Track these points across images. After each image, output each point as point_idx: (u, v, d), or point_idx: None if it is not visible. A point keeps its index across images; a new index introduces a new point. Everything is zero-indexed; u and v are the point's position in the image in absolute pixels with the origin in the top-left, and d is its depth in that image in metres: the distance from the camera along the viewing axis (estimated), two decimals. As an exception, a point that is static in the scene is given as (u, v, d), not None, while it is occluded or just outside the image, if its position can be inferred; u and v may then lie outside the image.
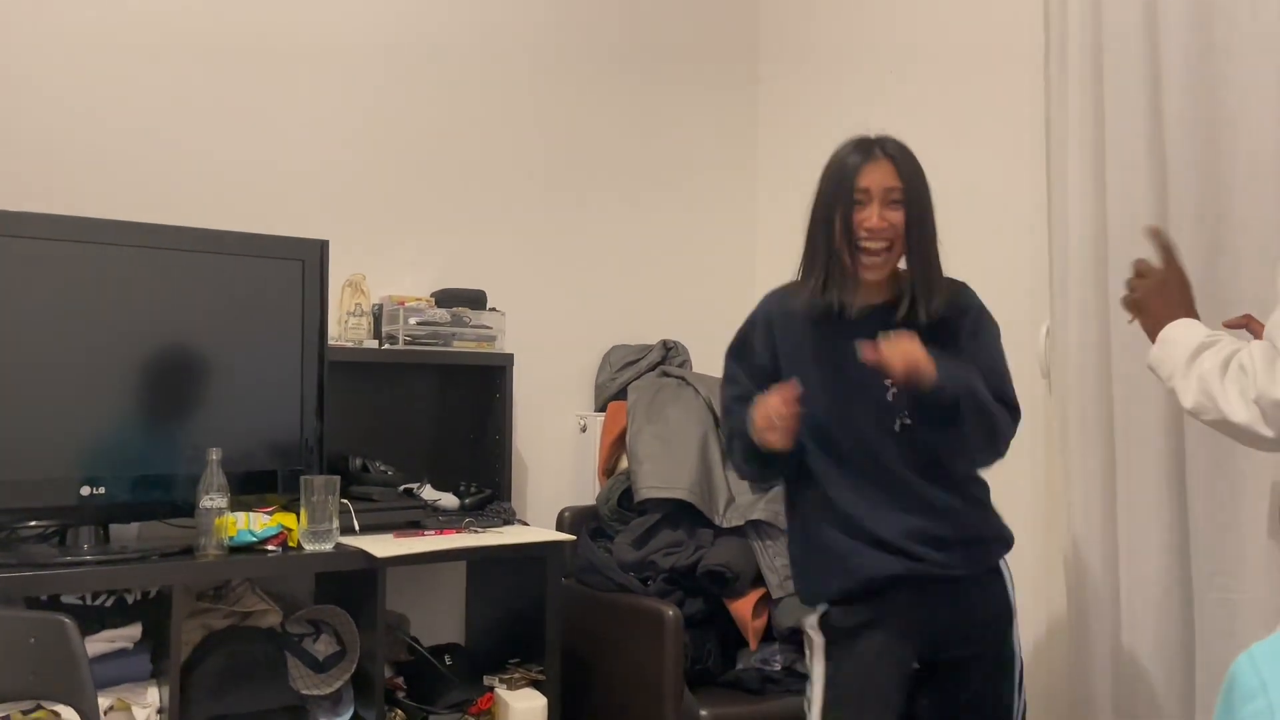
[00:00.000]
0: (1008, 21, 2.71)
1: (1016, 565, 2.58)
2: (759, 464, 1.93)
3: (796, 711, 2.02)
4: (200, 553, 2.11)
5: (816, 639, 1.93)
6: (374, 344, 2.66)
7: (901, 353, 1.72)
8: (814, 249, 1.91)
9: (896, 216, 1.84)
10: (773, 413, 1.77)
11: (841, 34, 3.24)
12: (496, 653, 2.59)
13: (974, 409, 1.80)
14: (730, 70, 3.54)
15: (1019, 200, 2.66)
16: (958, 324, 1.90)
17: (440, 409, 2.88)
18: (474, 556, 2.58)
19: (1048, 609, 2.54)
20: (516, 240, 3.09)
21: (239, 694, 2.14)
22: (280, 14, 2.73)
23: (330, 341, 2.46)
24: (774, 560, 2.62)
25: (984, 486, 1.96)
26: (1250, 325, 1.66)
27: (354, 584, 2.30)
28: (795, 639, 2.46)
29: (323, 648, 2.31)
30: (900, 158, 1.87)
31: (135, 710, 2.01)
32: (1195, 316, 1.56)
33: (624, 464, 2.91)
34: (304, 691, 2.24)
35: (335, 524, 2.26)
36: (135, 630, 2.10)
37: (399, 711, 2.36)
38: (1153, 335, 1.56)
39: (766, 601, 2.62)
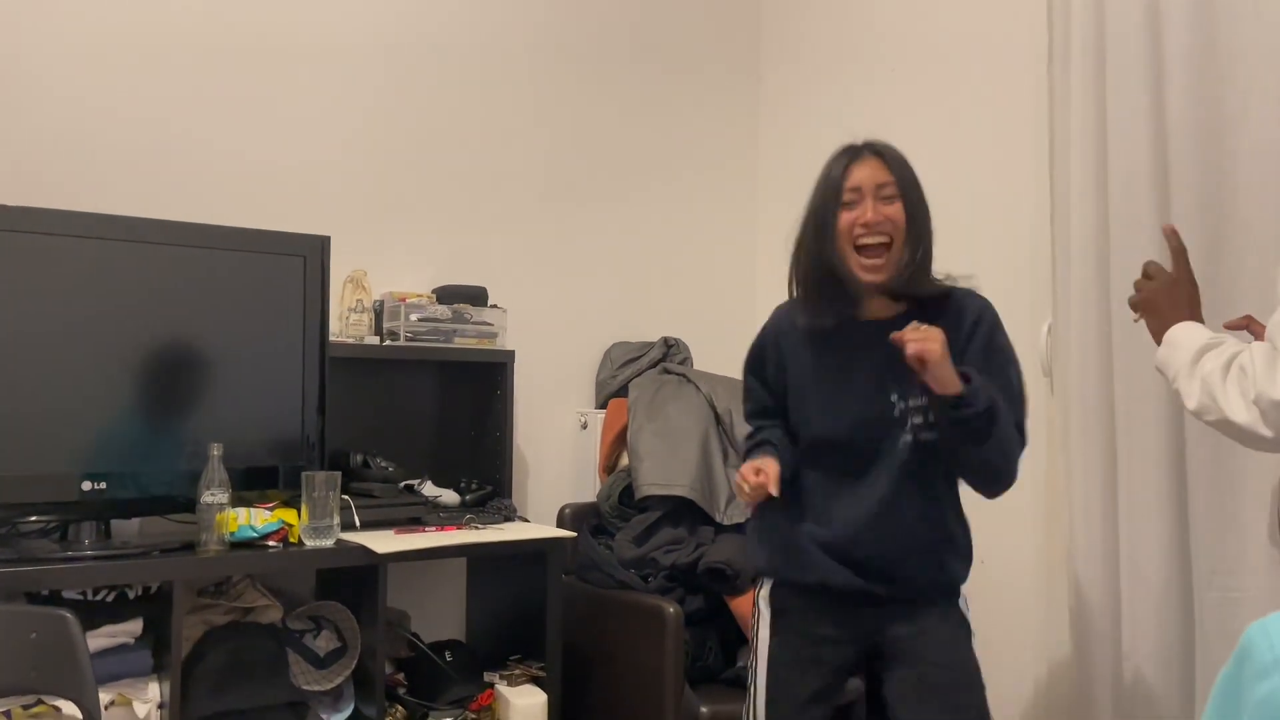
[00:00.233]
0: (1011, 21, 2.71)
1: (1019, 563, 2.57)
2: None
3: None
4: (201, 548, 2.11)
5: (764, 611, 1.97)
6: (375, 340, 2.66)
7: (926, 341, 1.69)
8: (808, 264, 1.87)
9: (893, 210, 1.81)
10: (744, 483, 1.79)
11: (843, 33, 3.24)
12: (497, 649, 2.60)
13: (999, 427, 1.77)
14: (732, 68, 3.54)
15: (1021, 199, 2.66)
16: (971, 333, 1.85)
17: (441, 405, 2.88)
18: (475, 553, 2.58)
19: (1048, 607, 2.54)
20: (518, 237, 3.09)
21: (240, 690, 2.14)
22: (283, 12, 2.73)
23: (331, 337, 2.46)
24: (774, 558, 2.62)
25: (966, 527, 1.94)
26: (1251, 326, 1.66)
27: (355, 580, 2.30)
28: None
29: (324, 644, 2.31)
30: (888, 153, 1.85)
31: (136, 705, 2.01)
32: (1201, 320, 1.57)
33: (625, 461, 2.91)
34: (305, 687, 2.25)
35: (336, 520, 2.26)
36: (136, 626, 2.10)
37: (399, 707, 2.37)
38: (1158, 337, 1.57)
39: (767, 599, 2.62)
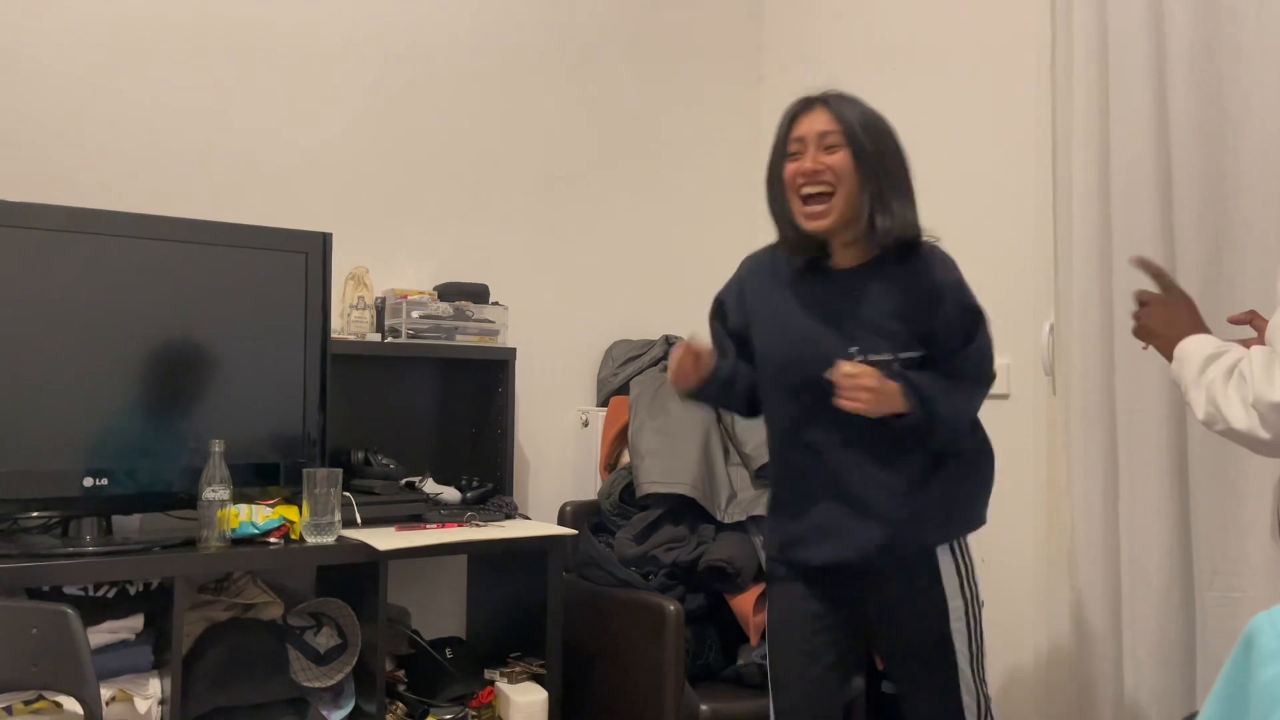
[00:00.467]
0: (1013, 20, 2.70)
1: (1020, 562, 2.56)
2: (693, 400, 2.07)
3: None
4: (202, 545, 2.11)
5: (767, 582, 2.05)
6: (376, 337, 2.66)
7: (857, 389, 1.73)
8: (772, 213, 1.92)
9: (834, 159, 1.80)
10: (674, 362, 1.88)
11: (846, 31, 3.24)
12: (497, 646, 2.60)
13: (947, 429, 1.83)
14: (733, 65, 3.53)
15: (1023, 199, 2.65)
16: (940, 292, 1.83)
17: (442, 403, 2.88)
18: (475, 550, 2.58)
19: (1049, 606, 2.54)
20: (520, 235, 3.09)
21: (240, 686, 2.14)
22: (286, 8, 2.73)
23: (333, 334, 2.46)
24: (775, 556, 2.62)
25: (948, 486, 1.88)
26: (1254, 321, 1.65)
27: (355, 577, 2.30)
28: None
29: (324, 640, 2.31)
30: (838, 103, 1.84)
31: (137, 701, 2.01)
32: (1204, 328, 1.57)
33: (626, 459, 2.91)
34: (305, 684, 2.25)
35: (337, 517, 2.26)
36: (137, 621, 2.11)
37: (400, 704, 2.37)
38: (1169, 355, 1.56)
39: (768, 597, 2.62)
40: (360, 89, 2.84)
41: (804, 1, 3.41)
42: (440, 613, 2.81)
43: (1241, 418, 1.38)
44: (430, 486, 2.61)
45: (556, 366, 3.11)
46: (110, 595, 2.15)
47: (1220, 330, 1.61)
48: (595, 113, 3.25)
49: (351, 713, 2.29)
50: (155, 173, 2.54)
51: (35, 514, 2.15)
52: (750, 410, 2.06)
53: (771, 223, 1.93)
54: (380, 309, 2.69)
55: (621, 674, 2.54)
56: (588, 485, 3.03)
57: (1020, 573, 2.61)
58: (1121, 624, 2.29)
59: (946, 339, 1.84)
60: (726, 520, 2.72)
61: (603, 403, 3.10)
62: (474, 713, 2.39)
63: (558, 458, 3.11)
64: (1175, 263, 2.20)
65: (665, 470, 2.75)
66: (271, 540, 2.21)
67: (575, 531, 2.65)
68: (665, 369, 3.08)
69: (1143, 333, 1.63)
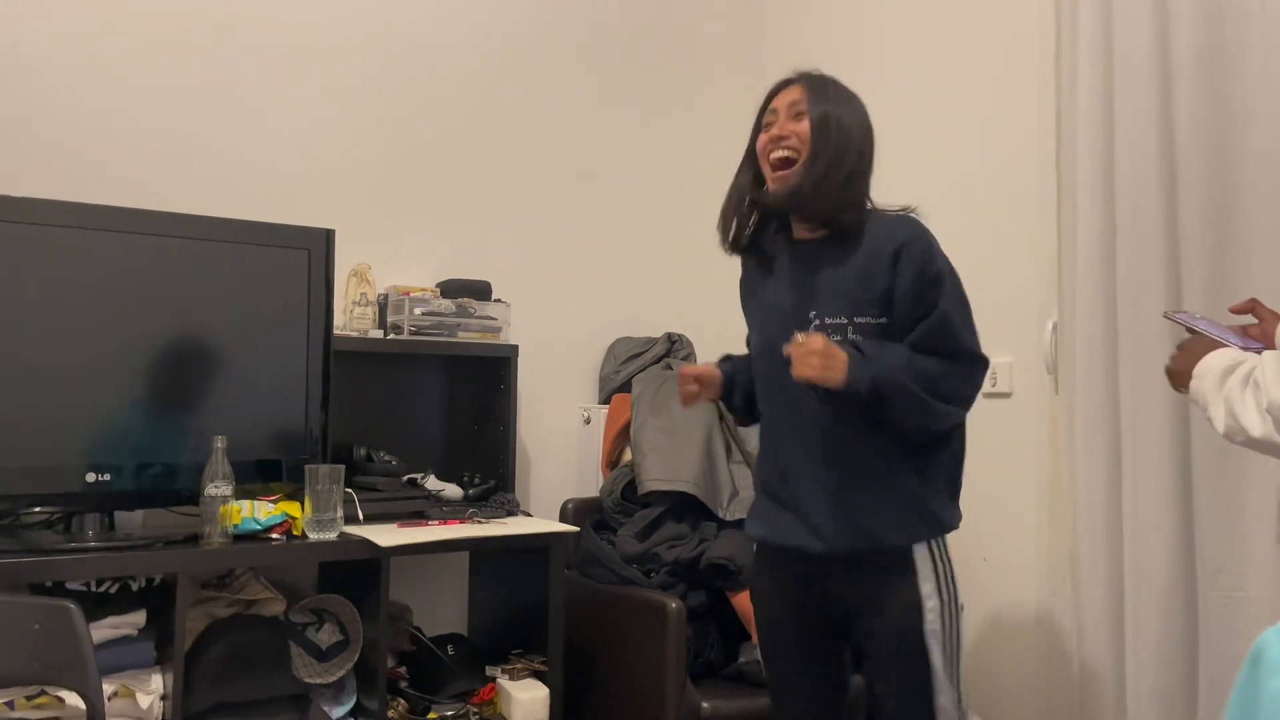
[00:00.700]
0: (1017, 17, 2.70)
1: (1022, 562, 2.56)
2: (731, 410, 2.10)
3: (799, 705, 2.02)
4: (205, 541, 2.12)
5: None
6: (379, 334, 2.66)
7: (807, 355, 1.71)
8: (731, 186, 1.97)
9: (799, 127, 1.83)
10: (680, 392, 1.94)
11: (849, 29, 3.24)
12: (499, 643, 2.60)
13: (901, 400, 1.74)
14: (736, 63, 3.53)
15: (1027, 197, 2.65)
16: (894, 262, 1.78)
17: (445, 400, 2.88)
18: (477, 547, 2.58)
19: (1052, 605, 2.54)
20: (522, 232, 3.09)
21: (242, 682, 2.14)
22: (289, 5, 2.73)
23: (335, 331, 2.46)
24: (777, 554, 2.62)
25: (929, 456, 1.82)
26: (1256, 310, 1.64)
27: (357, 573, 2.30)
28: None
29: (326, 637, 2.31)
30: (812, 79, 1.88)
31: (139, 697, 2.01)
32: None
33: (628, 456, 2.91)
34: (307, 680, 2.25)
35: (339, 513, 2.26)
36: (139, 617, 2.11)
37: (401, 701, 2.37)
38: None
39: (769, 595, 2.62)
40: (364, 86, 2.84)
41: (807, -1, 3.41)
42: (442, 609, 2.81)
43: (1258, 425, 1.36)
44: (432, 483, 2.61)
45: (559, 364, 3.11)
46: (113, 591, 2.15)
47: (1224, 322, 1.60)
48: (598, 110, 3.25)
49: (353, 709, 2.29)
50: (158, 169, 2.54)
51: (38, 509, 2.16)
52: (750, 415, 2.05)
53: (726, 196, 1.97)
54: (383, 306, 2.69)
55: (623, 671, 2.54)
56: (589, 482, 3.03)
57: (1022, 572, 2.61)
58: (1124, 623, 2.29)
59: (904, 303, 1.78)
60: (728, 518, 2.72)
61: (605, 400, 3.10)
62: (475, 709, 2.39)
63: (560, 455, 3.11)
64: (1179, 261, 2.19)
65: (667, 468, 2.75)
66: (274, 536, 2.21)
67: (577, 529, 2.65)
68: (668, 366, 3.10)
69: (1176, 375, 1.56)
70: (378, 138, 2.86)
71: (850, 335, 1.78)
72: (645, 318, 3.26)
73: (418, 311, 2.66)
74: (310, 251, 2.39)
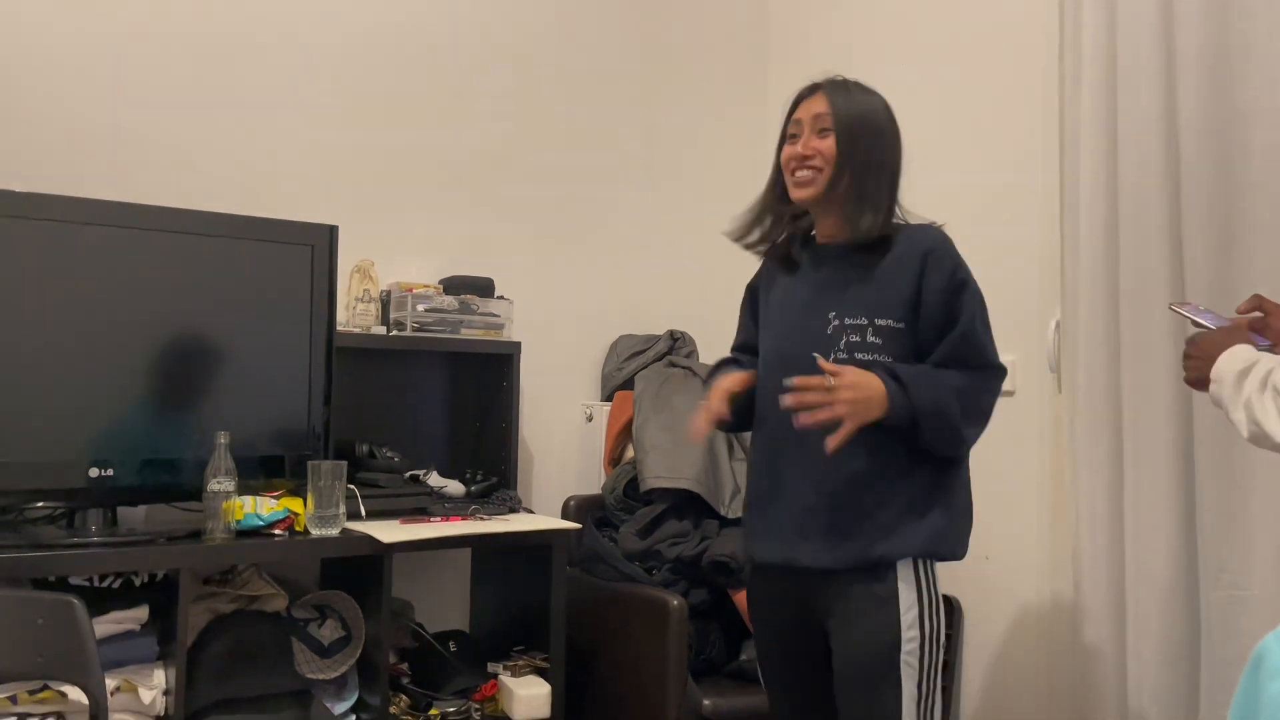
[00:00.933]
0: (1021, 17, 2.69)
1: (1023, 560, 2.56)
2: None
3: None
4: (207, 536, 2.12)
5: None
6: (382, 330, 2.66)
7: (842, 390, 1.66)
8: (763, 190, 1.95)
9: (824, 144, 1.81)
10: (706, 404, 1.85)
11: (853, 29, 3.23)
12: (501, 640, 2.60)
13: (935, 426, 1.72)
14: (739, 61, 3.53)
15: (1031, 195, 2.64)
16: (922, 271, 1.77)
17: (447, 396, 2.89)
18: (479, 544, 2.58)
19: (1053, 604, 2.54)
20: (525, 229, 3.09)
21: (244, 677, 2.15)
22: (294, 2, 2.73)
23: (338, 327, 2.46)
24: (779, 552, 2.62)
25: (927, 487, 1.78)
26: (1262, 305, 1.64)
27: (360, 569, 2.30)
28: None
29: (328, 633, 2.32)
30: (834, 89, 1.85)
31: (141, 692, 2.02)
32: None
33: (630, 453, 2.91)
34: (309, 676, 2.25)
35: (342, 509, 2.26)
36: (142, 613, 2.11)
37: (403, 697, 2.37)
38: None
39: (771, 593, 2.62)
40: (368, 83, 2.84)
41: (811, -3, 3.41)
42: (444, 606, 2.81)
43: (1279, 429, 1.36)
44: (435, 480, 2.61)
45: (561, 361, 3.11)
46: (115, 586, 2.15)
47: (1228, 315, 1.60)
48: (601, 107, 3.25)
49: (355, 705, 2.29)
50: (162, 165, 2.54)
51: (41, 505, 2.16)
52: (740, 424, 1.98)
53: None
54: (385, 302, 2.69)
55: (624, 668, 2.54)
56: (592, 480, 3.04)
57: (1024, 571, 2.61)
58: (1126, 622, 2.29)
59: (932, 309, 1.77)
60: (730, 516, 2.72)
61: (607, 397, 3.10)
62: (477, 706, 2.39)
63: (562, 452, 3.11)
64: (1182, 260, 2.19)
65: (669, 465, 2.75)
66: (276, 532, 2.21)
67: (579, 526, 2.65)
68: (670, 364, 3.10)
69: (1193, 384, 1.56)
70: (382, 134, 2.86)
71: (870, 337, 1.77)
72: (647, 315, 3.26)
73: (420, 308, 2.66)
74: (313, 247, 2.39)
